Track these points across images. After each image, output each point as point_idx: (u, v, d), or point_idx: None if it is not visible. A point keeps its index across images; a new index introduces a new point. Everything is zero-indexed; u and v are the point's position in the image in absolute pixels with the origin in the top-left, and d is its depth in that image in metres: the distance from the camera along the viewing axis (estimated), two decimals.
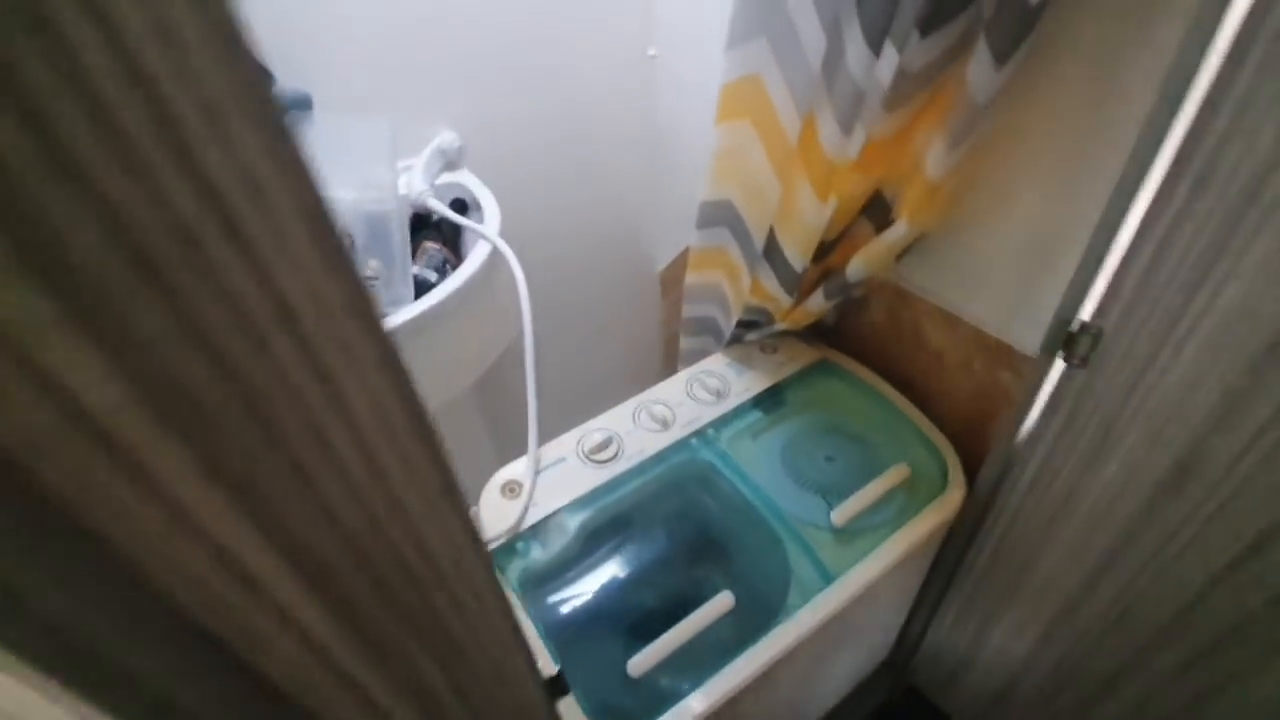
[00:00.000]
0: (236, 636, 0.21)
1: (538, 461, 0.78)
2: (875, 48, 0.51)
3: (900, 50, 0.51)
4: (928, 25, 0.51)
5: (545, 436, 0.79)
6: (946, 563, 0.86)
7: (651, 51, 1.02)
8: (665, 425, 0.82)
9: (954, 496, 0.77)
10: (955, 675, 0.98)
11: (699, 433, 0.81)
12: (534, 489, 0.76)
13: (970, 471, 0.79)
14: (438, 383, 0.80)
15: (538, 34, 0.91)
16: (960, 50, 0.55)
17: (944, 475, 0.79)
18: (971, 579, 0.85)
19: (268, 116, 0.15)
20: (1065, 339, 0.61)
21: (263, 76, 0.15)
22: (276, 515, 0.20)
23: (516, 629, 0.35)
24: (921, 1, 0.49)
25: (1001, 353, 0.76)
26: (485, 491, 0.76)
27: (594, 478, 0.77)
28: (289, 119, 0.17)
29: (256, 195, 0.15)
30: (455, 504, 0.27)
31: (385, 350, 0.21)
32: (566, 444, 0.80)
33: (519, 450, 0.79)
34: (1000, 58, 0.50)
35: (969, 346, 0.79)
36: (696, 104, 0.88)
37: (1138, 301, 0.55)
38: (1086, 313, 0.59)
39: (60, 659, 0.18)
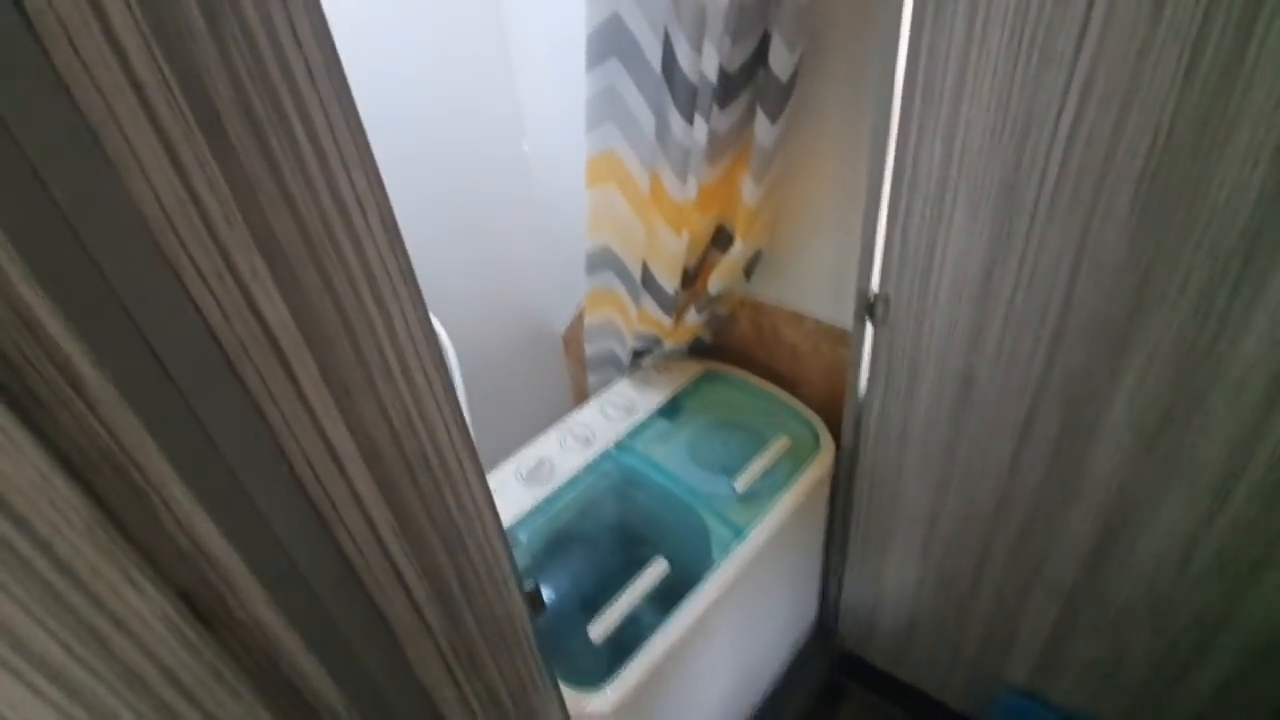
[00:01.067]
0: (327, 507, 0.34)
1: None
2: (689, 120, 0.72)
3: (707, 120, 0.73)
4: (722, 101, 0.73)
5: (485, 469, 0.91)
6: (839, 510, 1.03)
7: (525, 148, 1.22)
8: (588, 442, 0.96)
9: (826, 454, 0.95)
10: (872, 625, 1.14)
11: (618, 444, 0.96)
12: None
13: (837, 435, 0.98)
14: None
15: (426, 143, 1.09)
16: (749, 115, 0.78)
17: (816, 440, 0.98)
18: (860, 529, 1.03)
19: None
20: (867, 308, 0.83)
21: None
22: (359, 417, 0.33)
23: (504, 540, 0.48)
24: (715, 87, 0.71)
25: (837, 335, 0.97)
26: None
27: (534, 496, 0.89)
28: None
29: (357, 202, 0.30)
30: (459, 421, 0.41)
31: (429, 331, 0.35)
32: (505, 472, 0.92)
33: None
34: (772, 116, 0.73)
35: (814, 336, 1.00)
36: (565, 183, 1.08)
37: (902, 268, 0.77)
38: (877, 286, 0.81)
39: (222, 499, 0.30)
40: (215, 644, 0.31)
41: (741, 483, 0.88)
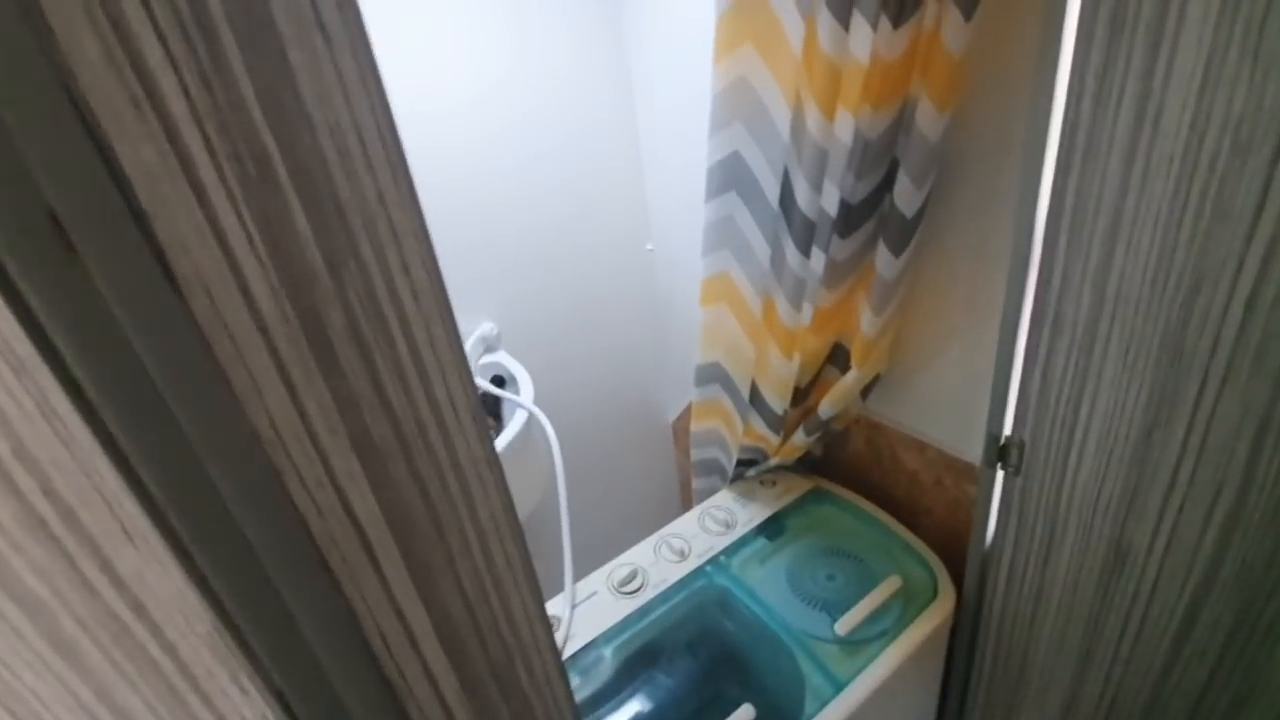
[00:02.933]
0: (399, 680, 0.34)
1: (573, 597, 0.88)
2: (805, 253, 0.71)
3: (825, 250, 0.71)
4: (842, 232, 0.71)
5: (578, 574, 0.91)
6: (957, 672, 0.92)
7: (649, 246, 1.26)
8: (683, 556, 0.93)
9: (945, 603, 0.86)
10: None
11: (713, 560, 0.92)
12: (571, 622, 0.86)
13: (958, 580, 0.89)
14: None
15: (557, 240, 1.15)
16: (871, 244, 0.75)
17: (934, 584, 0.88)
18: (983, 687, 0.91)
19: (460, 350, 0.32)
20: (999, 451, 0.75)
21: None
22: (436, 595, 0.34)
23: (574, 711, 0.46)
24: (835, 219, 0.69)
25: (964, 469, 0.89)
26: None
27: (624, 608, 0.87)
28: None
29: (450, 402, 0.32)
30: (534, 590, 0.41)
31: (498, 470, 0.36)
32: (597, 580, 0.91)
33: (555, 589, 0.90)
34: (895, 251, 0.70)
35: (937, 466, 0.92)
36: (686, 285, 1.09)
37: (1041, 415, 0.69)
38: (1010, 428, 0.74)
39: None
40: None
41: (844, 625, 0.81)
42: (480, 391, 1.05)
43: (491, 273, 1.12)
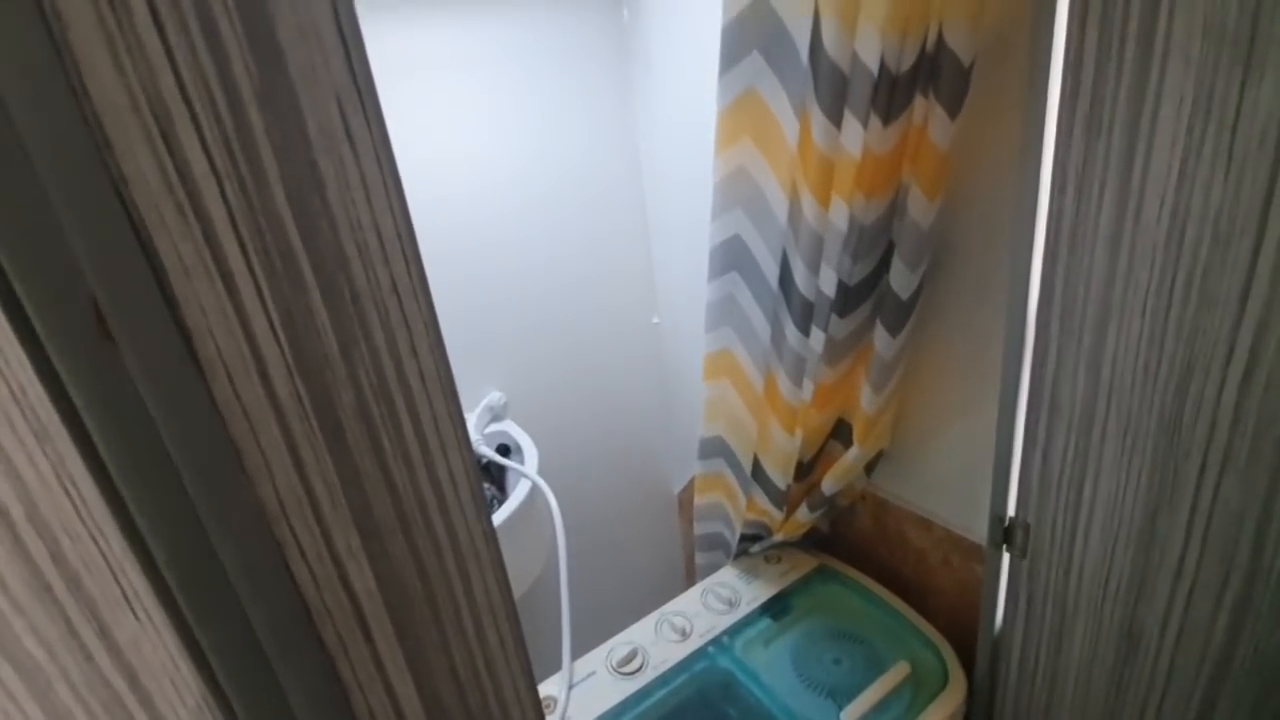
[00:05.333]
0: None
1: (571, 677, 0.86)
2: (805, 332, 0.73)
3: (824, 329, 0.73)
4: (841, 311, 0.73)
5: (579, 651, 0.89)
6: None
7: (656, 319, 1.29)
8: (684, 635, 0.91)
9: (956, 691, 0.83)
10: None
11: (715, 641, 0.90)
12: (567, 704, 0.83)
13: (969, 666, 0.86)
14: None
15: (565, 312, 1.19)
16: (870, 323, 0.77)
17: (944, 671, 0.85)
18: None
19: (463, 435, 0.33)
20: (1004, 533, 0.74)
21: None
22: (428, 673, 0.34)
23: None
24: (833, 300, 0.72)
25: (971, 548, 0.87)
26: None
27: (622, 690, 0.84)
28: None
29: (450, 479, 0.33)
30: (527, 674, 0.40)
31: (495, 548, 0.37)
32: (596, 658, 0.89)
33: (553, 667, 0.88)
34: (892, 331, 0.72)
35: (944, 545, 0.91)
36: (692, 358, 1.11)
37: (1044, 497, 0.69)
38: (1014, 508, 0.73)
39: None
40: None
41: (852, 714, 0.78)
42: (485, 460, 1.05)
43: (501, 341, 1.14)
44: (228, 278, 0.26)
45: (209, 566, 0.28)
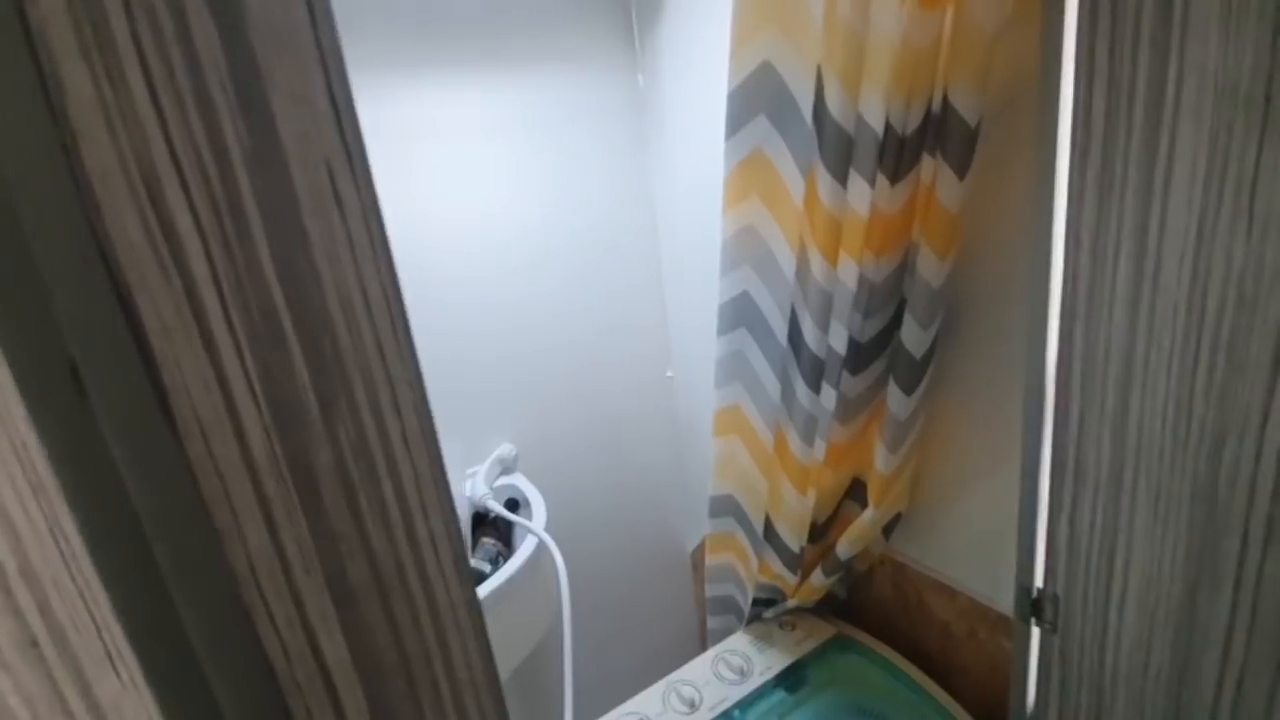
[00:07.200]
0: None
1: None
2: (815, 389, 0.71)
3: (836, 387, 0.71)
4: (854, 369, 0.72)
5: (582, 718, 0.84)
6: None
7: (669, 373, 1.28)
8: (693, 707, 0.86)
9: None
10: None
11: (726, 714, 0.85)
12: None
13: None
14: None
15: (579, 364, 1.18)
16: (884, 382, 0.75)
17: None
18: None
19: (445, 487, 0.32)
20: (1033, 605, 0.70)
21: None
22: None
23: None
24: (847, 356, 0.70)
25: (997, 620, 0.82)
26: None
27: None
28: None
29: (431, 542, 0.32)
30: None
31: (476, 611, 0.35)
32: None
33: None
34: (906, 390, 0.70)
35: (970, 616, 0.86)
36: (706, 412, 1.09)
37: (1073, 567, 0.65)
38: (1041, 579, 0.69)
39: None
40: None
41: None
42: (493, 515, 1.04)
43: (514, 393, 1.14)
44: (207, 337, 0.26)
45: (172, 633, 0.27)
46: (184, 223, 0.25)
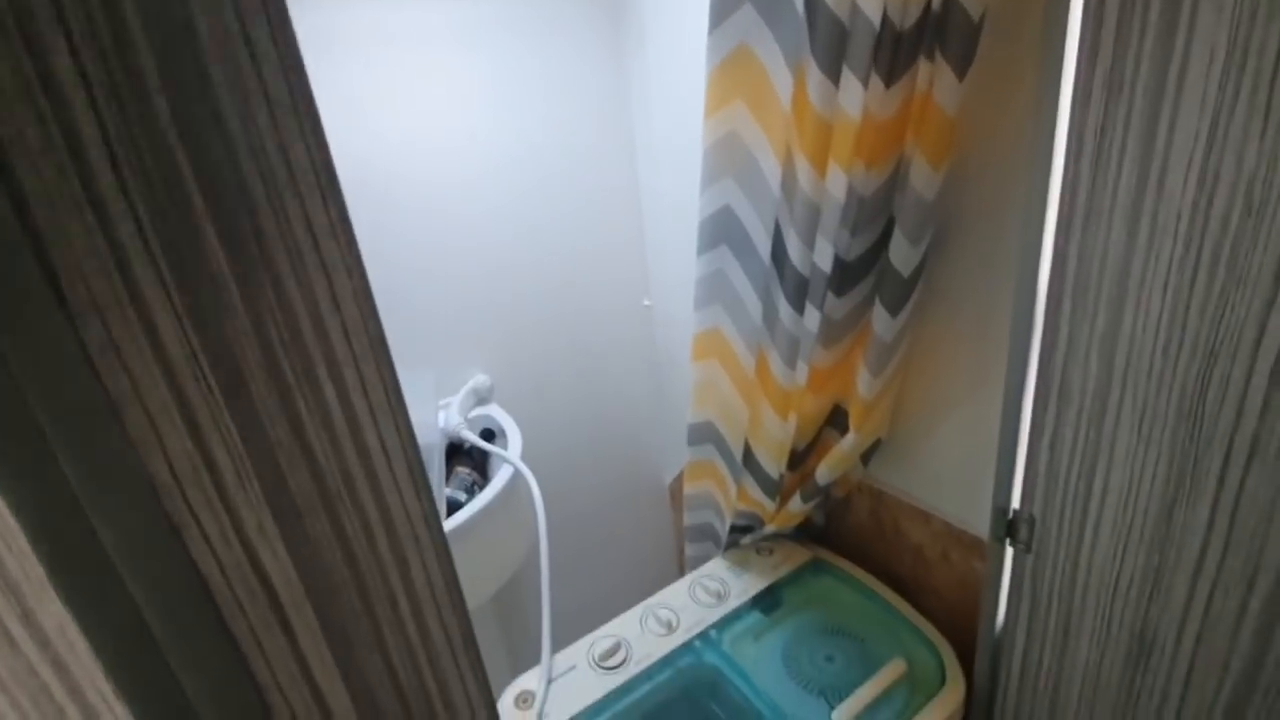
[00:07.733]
0: None
1: (550, 671, 0.82)
2: (799, 310, 0.68)
3: (820, 308, 0.69)
4: (838, 290, 0.69)
5: (561, 643, 0.85)
6: None
7: (646, 302, 1.25)
8: (670, 629, 0.87)
9: (954, 692, 0.79)
10: None
11: (702, 635, 0.86)
12: (546, 699, 0.80)
13: (969, 666, 0.82)
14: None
15: (554, 291, 1.14)
16: (869, 303, 0.73)
17: (941, 670, 0.81)
18: None
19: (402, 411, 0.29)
20: (1008, 526, 0.70)
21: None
22: (360, 671, 0.31)
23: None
24: (830, 276, 0.67)
25: (970, 543, 0.83)
26: (500, 703, 0.80)
27: (604, 685, 0.81)
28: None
29: (382, 451, 0.29)
30: (476, 669, 0.37)
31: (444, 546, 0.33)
32: (577, 652, 0.85)
33: (533, 660, 0.84)
34: (892, 311, 0.67)
35: (943, 539, 0.87)
36: (685, 341, 1.07)
37: (1051, 489, 0.65)
38: (1018, 501, 0.69)
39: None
40: None
41: (843, 714, 0.75)
42: (468, 445, 1.01)
43: (488, 322, 1.10)
44: (98, 205, 0.22)
45: (86, 542, 0.24)
46: (62, 64, 0.20)
